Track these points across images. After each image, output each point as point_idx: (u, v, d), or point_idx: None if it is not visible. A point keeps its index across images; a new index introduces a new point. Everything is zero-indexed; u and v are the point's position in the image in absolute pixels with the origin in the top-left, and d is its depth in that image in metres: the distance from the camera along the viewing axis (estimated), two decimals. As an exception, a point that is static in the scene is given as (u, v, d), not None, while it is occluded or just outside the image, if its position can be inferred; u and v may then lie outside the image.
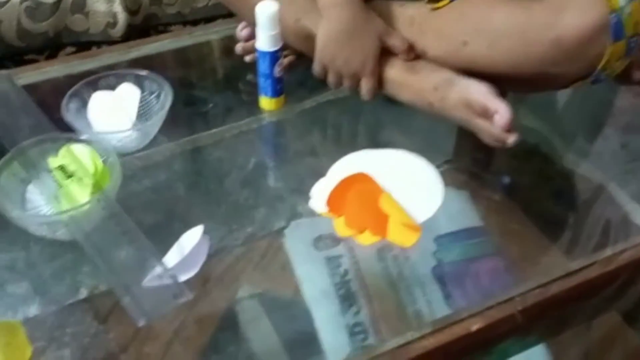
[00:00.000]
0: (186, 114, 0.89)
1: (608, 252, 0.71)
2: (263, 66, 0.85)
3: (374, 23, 0.81)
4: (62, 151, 0.74)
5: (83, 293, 0.68)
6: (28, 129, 0.77)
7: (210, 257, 0.68)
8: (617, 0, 0.71)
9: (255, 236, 0.74)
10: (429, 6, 0.81)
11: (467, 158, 0.86)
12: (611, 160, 0.86)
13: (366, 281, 0.70)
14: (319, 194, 0.76)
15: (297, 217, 0.76)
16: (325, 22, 0.81)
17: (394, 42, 0.81)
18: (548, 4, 0.73)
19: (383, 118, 0.89)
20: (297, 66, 0.89)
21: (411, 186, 0.76)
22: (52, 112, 0.80)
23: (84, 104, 0.84)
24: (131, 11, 1.05)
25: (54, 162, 0.73)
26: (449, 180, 0.78)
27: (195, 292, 0.63)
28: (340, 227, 0.73)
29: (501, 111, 0.73)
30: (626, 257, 0.71)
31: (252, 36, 0.88)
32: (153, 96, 0.85)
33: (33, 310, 0.67)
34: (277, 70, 0.85)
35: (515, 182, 0.84)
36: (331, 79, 0.84)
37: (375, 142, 0.84)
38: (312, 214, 0.75)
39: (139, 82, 0.85)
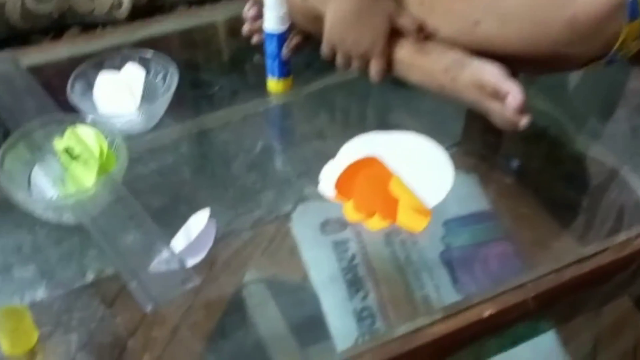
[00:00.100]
0: (192, 96, 0.89)
1: (622, 237, 0.70)
2: (270, 47, 0.84)
3: (384, 2, 0.79)
4: (68, 133, 0.73)
5: (90, 277, 0.68)
6: (33, 110, 0.76)
7: (216, 241, 0.68)
8: (634, -22, 0.69)
9: (262, 220, 0.73)
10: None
11: (476, 141, 0.85)
12: (624, 143, 0.85)
13: (374, 266, 0.70)
14: (328, 178, 0.75)
15: (305, 201, 0.75)
16: (334, 2, 0.79)
17: (404, 22, 0.79)
18: None
19: (391, 100, 0.88)
20: (304, 47, 0.87)
21: (421, 169, 0.75)
22: (57, 93, 0.79)
23: (89, 85, 0.83)
24: (136, -8, 1.03)
25: (59, 144, 0.73)
26: (457, 163, 0.77)
27: (202, 277, 0.62)
28: (349, 211, 0.72)
29: (514, 93, 0.71)
30: (640, 243, 0.70)
31: (259, 16, 0.87)
32: (159, 78, 0.84)
33: (39, 294, 0.67)
34: (285, 52, 0.84)
35: (526, 165, 0.83)
36: (340, 60, 0.83)
37: (384, 124, 0.83)
38: (319, 197, 0.74)
39: (144, 63, 0.85)
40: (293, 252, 0.71)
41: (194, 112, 0.86)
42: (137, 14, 1.03)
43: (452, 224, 0.73)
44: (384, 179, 0.73)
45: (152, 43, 0.92)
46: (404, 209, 0.71)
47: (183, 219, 0.69)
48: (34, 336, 0.62)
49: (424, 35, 0.80)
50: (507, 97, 0.72)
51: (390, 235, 0.71)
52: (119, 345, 0.63)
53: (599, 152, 0.85)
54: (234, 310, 0.67)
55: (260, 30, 0.86)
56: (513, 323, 0.65)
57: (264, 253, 0.71)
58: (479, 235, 0.73)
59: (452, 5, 0.79)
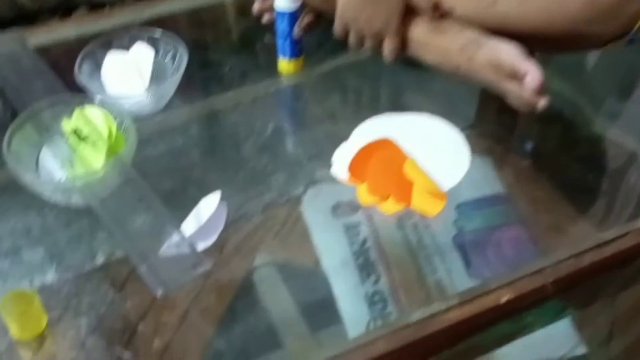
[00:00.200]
0: (202, 76, 0.88)
1: (642, 221, 0.69)
2: (281, 26, 0.83)
3: (398, -20, 0.78)
4: (76, 114, 0.72)
5: (99, 259, 0.68)
6: (40, 91, 0.76)
7: (227, 224, 0.67)
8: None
9: (273, 203, 0.73)
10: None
11: (490, 123, 0.84)
12: (643, 125, 0.84)
13: (385, 249, 0.70)
14: (341, 160, 0.74)
15: (317, 183, 0.74)
16: (347, -21, 0.78)
17: (419, 0, 0.78)
18: None
19: (404, 81, 0.87)
20: (316, 26, 0.86)
21: (436, 152, 0.74)
22: (65, 74, 0.78)
23: (97, 65, 0.82)
24: (145, -30, 1.02)
25: (67, 125, 0.72)
26: (471, 145, 0.76)
27: (213, 261, 0.61)
28: (362, 194, 0.71)
29: (532, 73, 0.70)
30: (662, 227, 0.69)
31: (270, -5, 0.86)
32: (168, 58, 0.83)
33: (49, 277, 0.66)
34: (296, 31, 0.83)
35: (541, 148, 0.82)
36: (353, 39, 0.81)
37: (397, 106, 0.82)
38: (331, 180, 0.73)
39: (153, 43, 0.84)
40: (304, 235, 0.71)
41: (203, 93, 0.85)
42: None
43: (465, 208, 0.72)
44: (399, 162, 0.71)
45: (161, 22, 0.91)
46: (419, 192, 0.69)
47: (193, 202, 0.68)
48: (43, 320, 0.62)
49: (439, 13, 0.78)
50: (526, 77, 0.70)
51: (402, 219, 0.71)
52: (129, 329, 0.62)
53: (617, 134, 0.83)
54: (245, 295, 0.66)
55: (271, 8, 0.85)
56: (531, 309, 0.64)
57: (275, 237, 0.70)
58: (492, 219, 0.72)
59: (469, -17, 0.77)
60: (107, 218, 0.65)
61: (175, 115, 0.82)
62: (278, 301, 0.66)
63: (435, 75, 0.80)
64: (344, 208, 0.72)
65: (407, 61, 0.81)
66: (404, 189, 0.70)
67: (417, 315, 0.61)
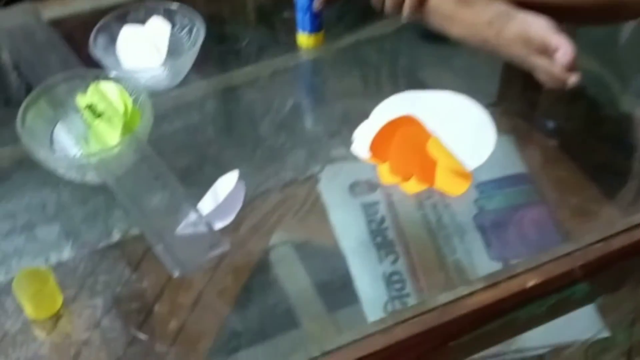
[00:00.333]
0: (219, 51, 0.86)
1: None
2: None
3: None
4: (91, 89, 0.71)
5: (115, 236, 0.67)
6: (54, 65, 0.75)
7: (244, 203, 0.66)
8: None
9: (292, 182, 0.72)
10: None
11: (514, 100, 0.83)
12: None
13: (404, 229, 0.69)
14: (362, 138, 0.72)
15: (336, 161, 0.74)
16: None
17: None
18: None
19: (426, 57, 0.86)
20: (336, 0, 0.84)
21: (460, 130, 0.72)
22: (79, 47, 0.77)
23: (112, 39, 0.81)
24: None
25: (82, 100, 0.71)
26: (494, 123, 0.74)
27: (230, 240, 0.61)
28: (384, 173, 0.69)
29: (564, 48, 0.67)
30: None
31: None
32: (184, 32, 0.82)
33: (64, 254, 0.66)
34: (316, 4, 0.81)
35: (567, 127, 0.81)
36: (389, 3, 0.77)
37: (418, 83, 0.81)
38: (351, 158, 0.72)
39: (169, 16, 0.82)
40: (322, 214, 0.70)
41: (220, 68, 0.84)
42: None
43: (487, 187, 0.72)
44: (422, 140, 0.69)
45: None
46: (443, 172, 0.68)
47: (210, 180, 0.67)
48: (59, 300, 0.61)
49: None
50: (557, 52, 0.68)
51: (421, 198, 0.70)
52: (145, 309, 0.62)
53: (647, 113, 0.82)
54: (262, 274, 0.66)
55: (290, -19, 0.83)
56: (556, 293, 0.63)
57: (294, 216, 0.70)
58: (514, 199, 0.71)
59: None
60: (123, 196, 0.64)
61: (191, 90, 0.81)
62: (295, 280, 0.66)
63: (458, 51, 0.78)
64: (362, 186, 0.72)
65: (429, 36, 0.79)
66: (427, 168, 0.68)
67: (440, 299, 0.60)
